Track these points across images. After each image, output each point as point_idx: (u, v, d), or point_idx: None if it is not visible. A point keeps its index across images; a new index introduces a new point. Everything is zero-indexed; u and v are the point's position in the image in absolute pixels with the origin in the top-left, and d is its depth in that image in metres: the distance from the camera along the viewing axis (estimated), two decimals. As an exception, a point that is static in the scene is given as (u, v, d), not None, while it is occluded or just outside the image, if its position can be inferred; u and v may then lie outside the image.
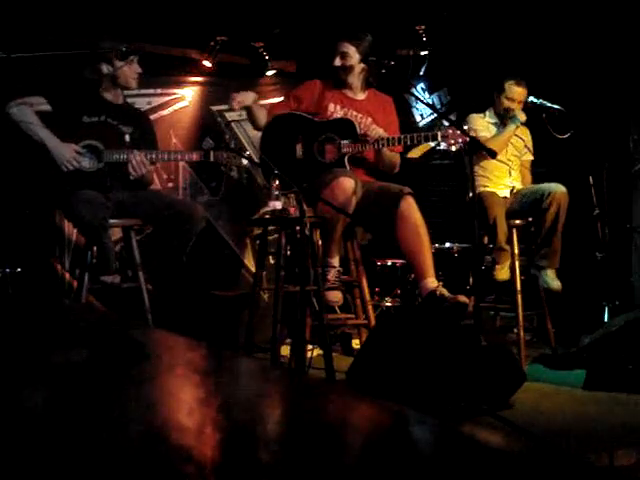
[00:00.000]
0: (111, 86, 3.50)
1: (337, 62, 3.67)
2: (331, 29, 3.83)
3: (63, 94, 3.44)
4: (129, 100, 3.86)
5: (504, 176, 4.13)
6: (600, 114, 4.64)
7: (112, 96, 3.53)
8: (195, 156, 3.50)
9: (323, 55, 3.79)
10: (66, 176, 3.29)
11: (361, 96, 3.77)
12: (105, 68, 3.45)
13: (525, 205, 3.93)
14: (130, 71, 3.46)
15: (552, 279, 3.89)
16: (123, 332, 1.24)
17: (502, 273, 3.88)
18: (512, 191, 4.09)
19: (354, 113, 3.71)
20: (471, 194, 3.62)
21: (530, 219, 3.89)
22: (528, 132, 4.24)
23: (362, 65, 3.68)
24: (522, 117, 4.01)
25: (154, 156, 3.47)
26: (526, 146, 4.21)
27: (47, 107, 3.36)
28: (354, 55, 3.65)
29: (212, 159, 3.43)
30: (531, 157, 4.25)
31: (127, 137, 3.45)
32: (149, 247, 3.79)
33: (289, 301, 3.42)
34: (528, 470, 0.54)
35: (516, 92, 4.09)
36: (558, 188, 3.85)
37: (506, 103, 4.09)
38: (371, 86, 3.80)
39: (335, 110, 3.70)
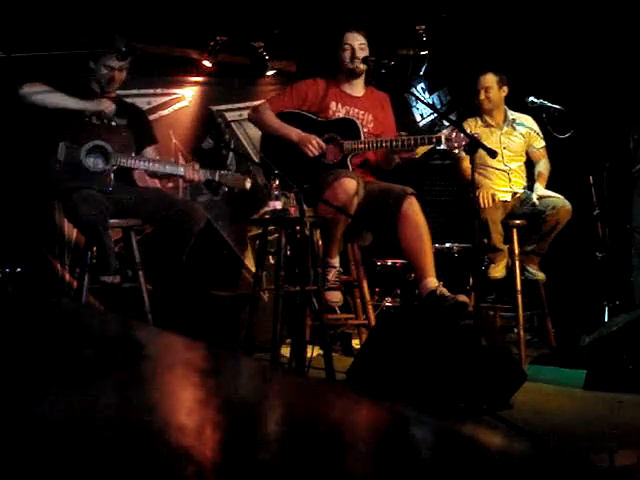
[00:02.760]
0: (98, 81, 3.50)
1: (357, 54, 3.64)
2: (331, 29, 3.82)
3: (65, 87, 3.44)
4: (129, 100, 3.86)
5: (504, 183, 4.13)
6: (600, 114, 4.64)
7: (103, 91, 3.52)
8: (201, 177, 3.48)
9: (329, 50, 3.75)
10: (68, 174, 3.29)
11: (360, 93, 3.77)
12: (92, 64, 3.46)
13: (526, 215, 3.95)
14: (108, 74, 3.45)
15: (536, 271, 3.97)
16: (123, 332, 1.24)
17: (496, 271, 3.92)
18: (514, 195, 4.10)
19: (355, 110, 3.70)
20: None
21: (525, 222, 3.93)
22: (530, 120, 4.20)
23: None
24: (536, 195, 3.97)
25: (158, 168, 3.49)
26: (536, 133, 4.18)
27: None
28: (366, 49, 3.66)
29: (217, 179, 3.45)
30: (543, 143, 4.20)
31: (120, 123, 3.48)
32: (149, 247, 3.79)
33: (289, 301, 3.42)
34: (528, 470, 0.54)
35: (480, 80, 4.11)
36: (564, 205, 3.87)
37: (480, 95, 4.13)
38: (370, 84, 3.80)
39: (337, 109, 3.70)
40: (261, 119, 3.72)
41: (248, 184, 3.48)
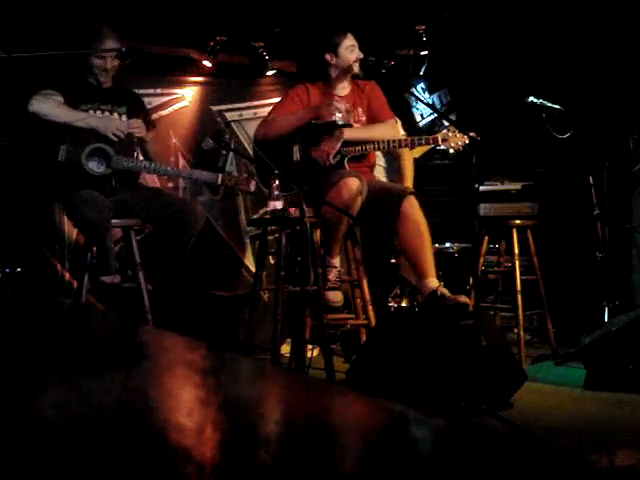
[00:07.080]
0: (92, 73, 3.51)
1: (360, 55, 3.66)
2: (331, 29, 3.82)
3: (68, 87, 3.45)
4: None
5: None
6: (600, 114, 4.64)
7: (99, 82, 3.53)
8: (206, 176, 3.50)
9: (319, 52, 3.77)
10: (69, 176, 3.30)
11: (347, 91, 3.79)
12: (89, 60, 3.48)
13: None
14: (103, 62, 3.46)
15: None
16: (123, 332, 1.24)
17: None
18: None
19: (343, 107, 3.72)
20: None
21: None
22: None
23: None
24: None
25: (161, 170, 3.53)
26: None
27: (61, 99, 3.39)
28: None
29: (219, 182, 3.47)
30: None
31: (124, 117, 3.47)
32: (149, 247, 3.79)
33: (289, 301, 3.42)
34: (528, 470, 0.54)
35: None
36: None
37: None
38: (356, 78, 3.81)
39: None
40: (273, 126, 3.69)
41: (252, 187, 3.51)
